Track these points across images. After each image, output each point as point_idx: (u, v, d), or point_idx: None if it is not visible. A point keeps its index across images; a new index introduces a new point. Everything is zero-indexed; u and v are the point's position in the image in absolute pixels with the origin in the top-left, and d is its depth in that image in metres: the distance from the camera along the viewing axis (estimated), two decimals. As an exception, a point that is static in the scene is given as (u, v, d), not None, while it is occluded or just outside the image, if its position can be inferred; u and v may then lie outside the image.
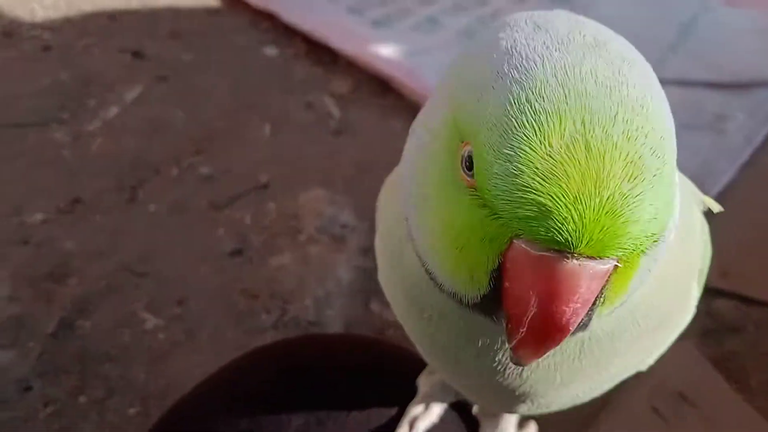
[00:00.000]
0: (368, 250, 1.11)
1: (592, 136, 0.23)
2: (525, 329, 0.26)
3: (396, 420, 0.54)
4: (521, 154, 0.24)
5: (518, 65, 0.25)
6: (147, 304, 1.01)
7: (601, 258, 0.24)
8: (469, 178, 0.26)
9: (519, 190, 0.24)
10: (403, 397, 0.56)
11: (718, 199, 1.37)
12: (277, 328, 0.99)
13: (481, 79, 0.26)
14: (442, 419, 0.55)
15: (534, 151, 0.24)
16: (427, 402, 0.55)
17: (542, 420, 0.93)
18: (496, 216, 0.25)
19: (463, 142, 0.26)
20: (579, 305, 0.25)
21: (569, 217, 0.23)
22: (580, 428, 1.00)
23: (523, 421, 0.61)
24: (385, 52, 1.50)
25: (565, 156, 0.23)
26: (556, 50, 0.26)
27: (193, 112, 1.36)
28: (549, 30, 0.27)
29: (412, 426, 0.53)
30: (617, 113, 0.24)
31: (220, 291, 1.04)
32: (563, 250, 0.24)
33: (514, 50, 0.26)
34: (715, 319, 1.14)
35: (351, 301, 1.03)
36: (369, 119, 1.42)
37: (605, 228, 0.23)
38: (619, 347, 0.35)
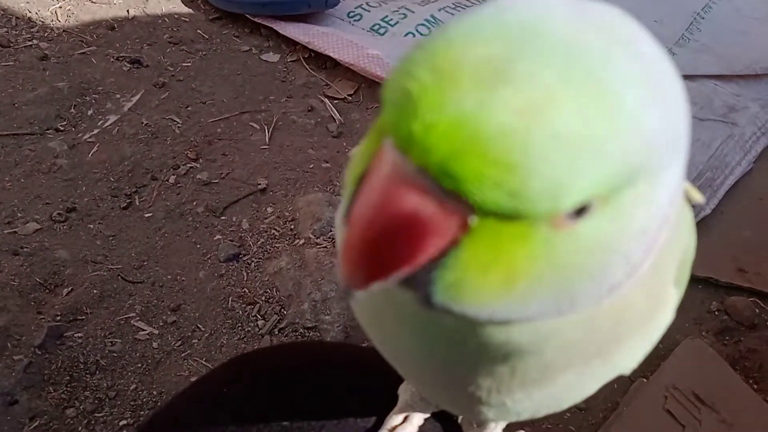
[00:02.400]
0: (367, 253, 1.07)
1: (512, 65, 0.19)
2: (348, 237, 0.22)
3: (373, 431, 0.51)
4: (432, 47, 0.20)
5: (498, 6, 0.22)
6: (141, 312, 0.98)
7: (444, 188, 0.20)
8: None
9: (403, 73, 0.20)
10: (383, 407, 0.53)
11: (732, 192, 1.32)
12: (273, 334, 0.96)
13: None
14: (423, 430, 0.52)
15: (449, 48, 0.20)
16: (407, 412, 0.52)
17: (547, 425, 0.89)
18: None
19: None
20: (389, 221, 0.20)
21: (425, 111, 0.19)
22: (590, 430, 0.95)
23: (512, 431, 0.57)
24: (380, 59, 1.47)
25: (471, 65, 0.19)
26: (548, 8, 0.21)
27: (192, 119, 1.34)
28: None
29: (388, 438, 0.50)
30: (566, 66, 0.20)
31: (217, 297, 1.01)
32: (409, 158, 0.20)
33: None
34: (731, 317, 1.10)
35: (349, 305, 0.99)
36: (370, 122, 1.39)
37: (455, 144, 0.19)
38: (564, 360, 0.31)
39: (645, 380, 1.01)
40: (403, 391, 0.52)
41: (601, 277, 0.24)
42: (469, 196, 0.20)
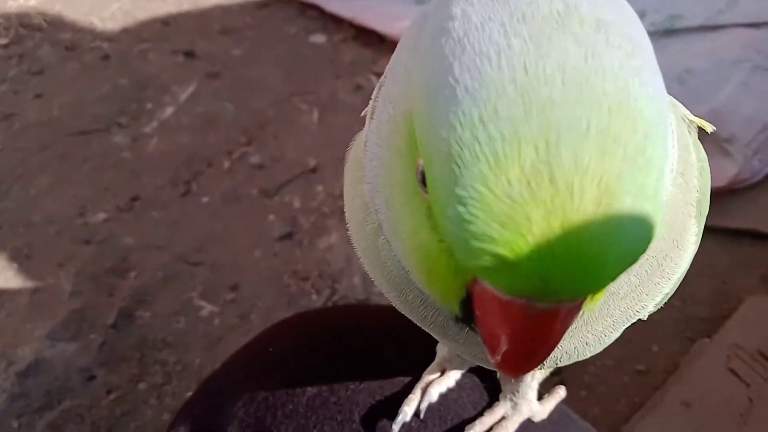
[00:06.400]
0: (416, 225, 1.09)
1: (558, 165, 0.19)
2: (500, 358, 0.24)
3: (411, 387, 0.53)
4: (474, 196, 0.20)
5: (470, 65, 0.21)
6: (202, 292, 1.04)
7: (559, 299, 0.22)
8: (427, 195, 0.23)
9: (474, 239, 0.20)
10: (422, 365, 0.54)
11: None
12: (327, 308, 1.00)
13: (432, 80, 0.22)
14: (460, 385, 0.53)
15: (490, 190, 0.20)
16: (444, 368, 0.54)
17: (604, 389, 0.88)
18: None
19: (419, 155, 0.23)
20: (556, 339, 0.24)
21: (532, 270, 0.20)
22: (650, 393, 0.94)
23: (551, 387, 0.58)
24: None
25: (526, 194, 0.20)
26: (515, 35, 0.21)
27: (244, 105, 1.39)
28: None
29: (425, 391, 0.52)
30: (589, 124, 0.20)
31: (272, 275, 1.06)
32: (521, 296, 0.22)
33: (466, 39, 0.21)
34: (799, 273, 1.05)
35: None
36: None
37: (576, 274, 0.20)
38: (604, 308, 0.32)
39: (707, 340, 0.98)
40: (440, 348, 0.53)
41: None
42: (583, 296, 0.22)
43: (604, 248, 0.20)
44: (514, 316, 0.22)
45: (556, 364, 0.38)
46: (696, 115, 0.36)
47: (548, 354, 0.25)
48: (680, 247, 0.34)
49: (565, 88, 0.20)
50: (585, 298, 0.23)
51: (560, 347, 0.35)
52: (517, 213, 0.20)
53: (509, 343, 0.23)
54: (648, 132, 0.21)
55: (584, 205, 0.20)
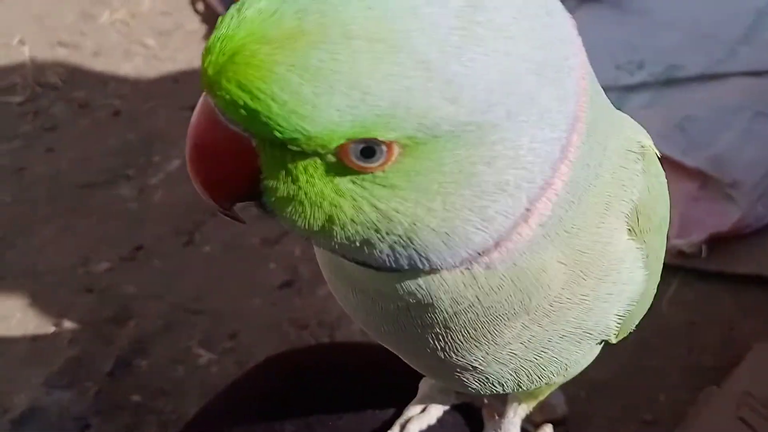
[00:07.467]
0: (415, 272, 1.09)
1: (292, 4, 0.22)
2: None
3: (391, 423, 0.52)
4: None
5: None
6: (201, 340, 1.04)
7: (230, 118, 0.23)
8: None
9: (217, 29, 0.23)
10: (404, 401, 0.54)
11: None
12: (324, 356, 0.99)
13: None
14: (442, 422, 0.53)
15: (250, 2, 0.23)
16: (426, 403, 0.53)
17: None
18: None
19: None
20: (202, 150, 0.25)
21: (216, 48, 0.22)
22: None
23: (540, 424, 0.56)
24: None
25: (252, 12, 0.22)
26: None
27: (250, 157, 1.41)
28: None
29: (404, 428, 0.51)
30: (354, 18, 0.21)
31: (271, 322, 1.06)
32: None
33: None
34: (808, 318, 1.02)
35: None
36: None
37: (221, 77, 0.22)
38: (492, 314, 0.30)
39: (716, 387, 0.95)
40: (423, 384, 0.52)
41: (450, 231, 0.24)
42: (236, 121, 0.23)
43: (261, 75, 0.21)
44: (196, 115, 0.25)
45: (518, 386, 0.37)
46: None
47: (197, 169, 0.26)
48: (604, 260, 0.31)
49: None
50: (240, 131, 0.23)
51: (500, 365, 0.34)
52: (249, 18, 0.22)
53: (187, 146, 0.25)
54: (403, 68, 0.21)
55: (279, 36, 0.21)
